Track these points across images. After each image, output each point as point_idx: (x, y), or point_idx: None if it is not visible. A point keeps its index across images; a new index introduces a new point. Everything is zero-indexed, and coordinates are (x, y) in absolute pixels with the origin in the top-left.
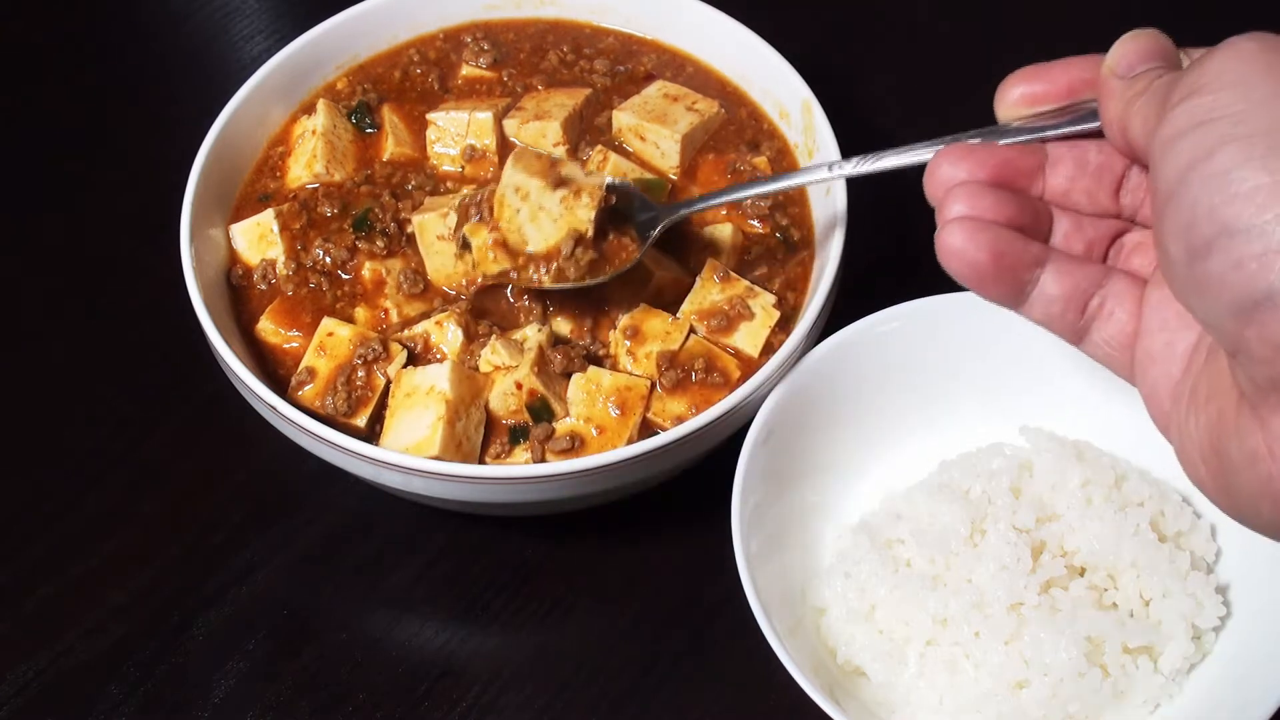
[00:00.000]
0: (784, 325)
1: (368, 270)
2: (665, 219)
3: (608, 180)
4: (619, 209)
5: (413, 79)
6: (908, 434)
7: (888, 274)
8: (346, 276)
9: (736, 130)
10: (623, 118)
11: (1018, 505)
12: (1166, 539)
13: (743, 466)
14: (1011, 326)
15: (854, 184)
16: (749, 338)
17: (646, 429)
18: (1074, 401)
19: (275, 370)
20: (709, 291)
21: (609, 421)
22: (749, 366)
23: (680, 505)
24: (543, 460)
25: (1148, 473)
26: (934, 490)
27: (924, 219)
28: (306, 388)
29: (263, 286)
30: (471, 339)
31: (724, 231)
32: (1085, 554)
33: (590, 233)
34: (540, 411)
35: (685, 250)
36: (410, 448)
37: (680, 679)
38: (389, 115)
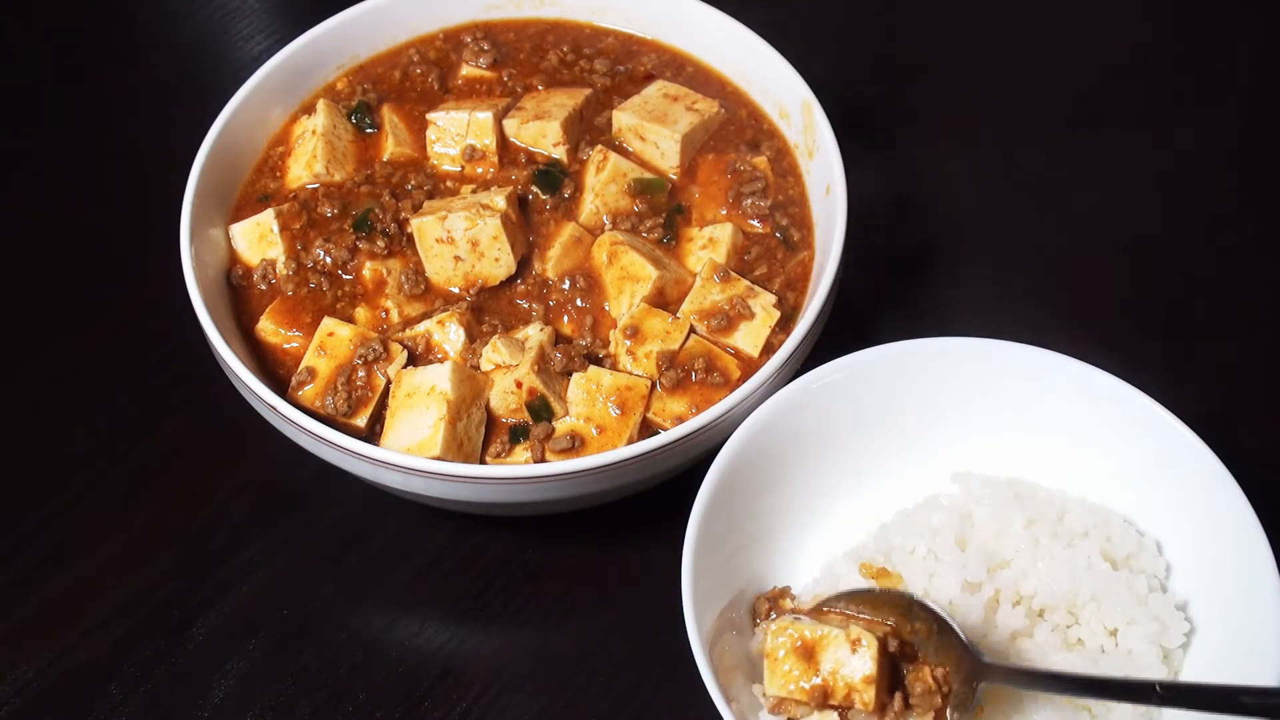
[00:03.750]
0: (784, 325)
1: (368, 270)
2: (987, 680)
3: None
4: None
5: (413, 79)
6: (845, 494)
7: (888, 273)
8: (347, 277)
9: (736, 130)
10: (623, 118)
11: (966, 559)
12: (1119, 565)
13: (689, 552)
14: (941, 374)
15: (854, 183)
16: (749, 337)
17: (646, 429)
18: (1001, 441)
19: (275, 370)
20: (709, 291)
21: (609, 421)
22: (749, 366)
23: (681, 505)
24: (543, 460)
25: (1085, 499)
26: (875, 557)
27: (923, 218)
28: (306, 388)
29: (263, 286)
30: (474, 338)
31: (724, 231)
32: (1043, 596)
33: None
34: (540, 410)
35: (685, 250)
36: (411, 448)
37: (680, 679)
38: (389, 115)
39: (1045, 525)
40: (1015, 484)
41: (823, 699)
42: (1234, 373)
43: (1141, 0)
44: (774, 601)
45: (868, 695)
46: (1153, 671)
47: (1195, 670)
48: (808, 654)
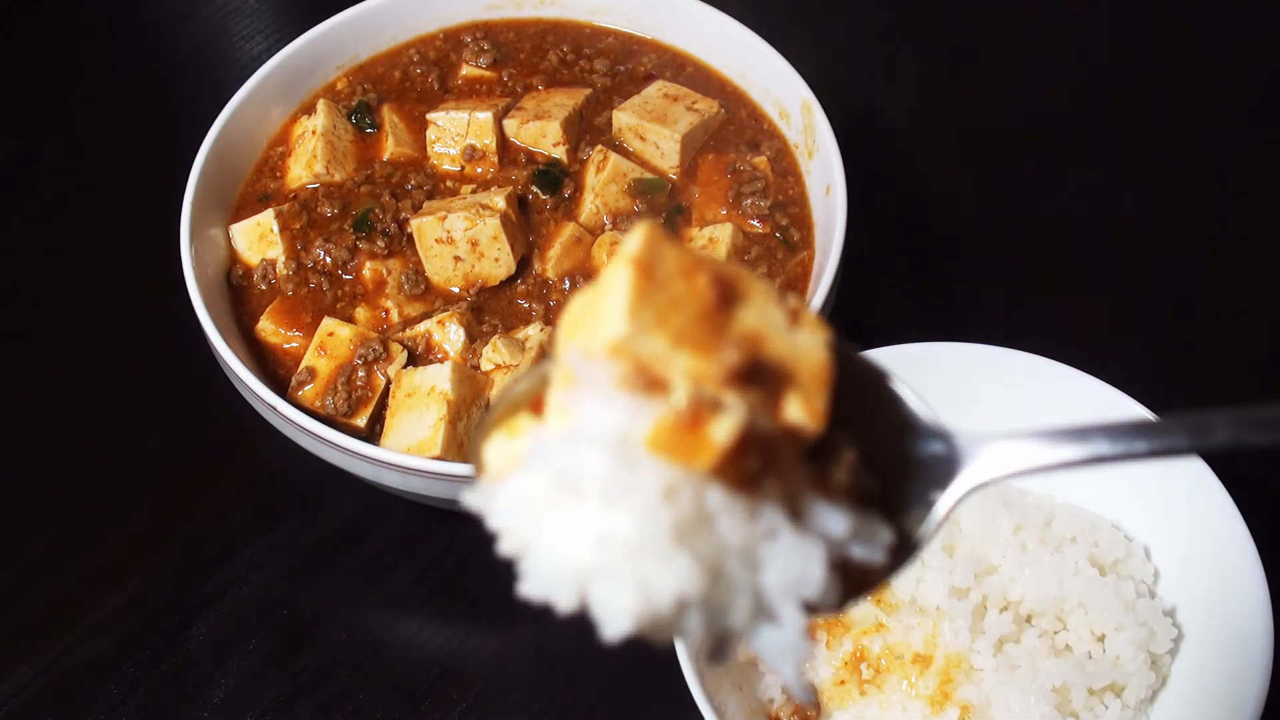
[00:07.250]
0: None
1: (368, 270)
2: (971, 487)
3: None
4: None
5: (413, 79)
6: None
7: (888, 274)
8: (347, 277)
9: (736, 130)
10: (623, 118)
11: (953, 564)
12: (1107, 570)
13: None
14: (925, 369)
15: (854, 183)
16: None
17: None
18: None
19: (275, 370)
20: None
21: None
22: None
23: None
24: None
25: (1072, 504)
26: None
27: (921, 219)
28: (306, 388)
29: (263, 286)
30: (474, 338)
31: (724, 231)
32: (1030, 602)
33: None
34: None
35: None
36: (412, 448)
37: (680, 679)
38: (389, 115)
39: (1033, 530)
40: (1002, 489)
41: (743, 368)
42: (1223, 379)
43: (1144, 2)
44: None
45: (818, 401)
46: (1140, 678)
47: (1183, 676)
48: (725, 294)
